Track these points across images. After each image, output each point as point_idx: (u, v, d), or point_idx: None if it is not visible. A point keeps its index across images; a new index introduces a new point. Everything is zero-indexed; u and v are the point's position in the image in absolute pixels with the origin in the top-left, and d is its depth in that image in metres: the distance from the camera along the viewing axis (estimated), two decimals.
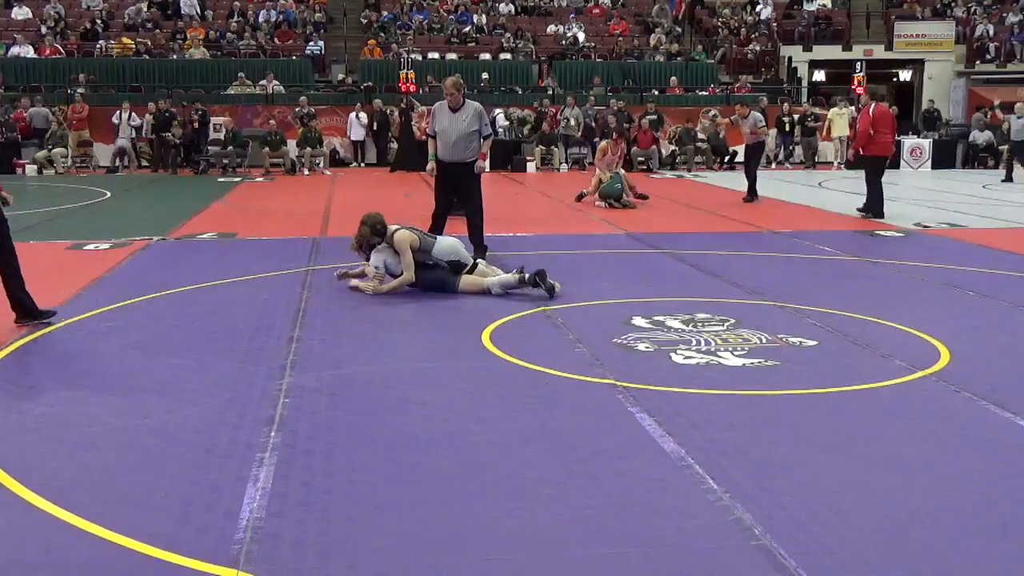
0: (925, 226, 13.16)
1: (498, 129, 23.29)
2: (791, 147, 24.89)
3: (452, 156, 10.23)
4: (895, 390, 5.72)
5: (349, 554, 3.62)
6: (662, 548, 3.67)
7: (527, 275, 8.21)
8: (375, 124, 24.09)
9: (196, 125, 23.08)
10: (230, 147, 22.55)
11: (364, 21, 29.53)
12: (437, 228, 10.04)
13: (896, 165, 24.29)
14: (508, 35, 28.99)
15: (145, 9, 28.49)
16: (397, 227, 8.45)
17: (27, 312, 7.20)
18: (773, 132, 25.14)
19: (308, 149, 22.42)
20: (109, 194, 17.48)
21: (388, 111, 24.22)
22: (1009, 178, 20.72)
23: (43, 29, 27.22)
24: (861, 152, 14.33)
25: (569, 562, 3.57)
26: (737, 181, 18.10)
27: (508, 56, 28.20)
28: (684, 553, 3.64)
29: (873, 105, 14.31)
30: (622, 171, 16.29)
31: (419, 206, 15.74)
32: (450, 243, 8.71)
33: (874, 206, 14.14)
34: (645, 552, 3.64)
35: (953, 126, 27.67)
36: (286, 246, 11.26)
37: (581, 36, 29.41)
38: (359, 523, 3.89)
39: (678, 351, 6.50)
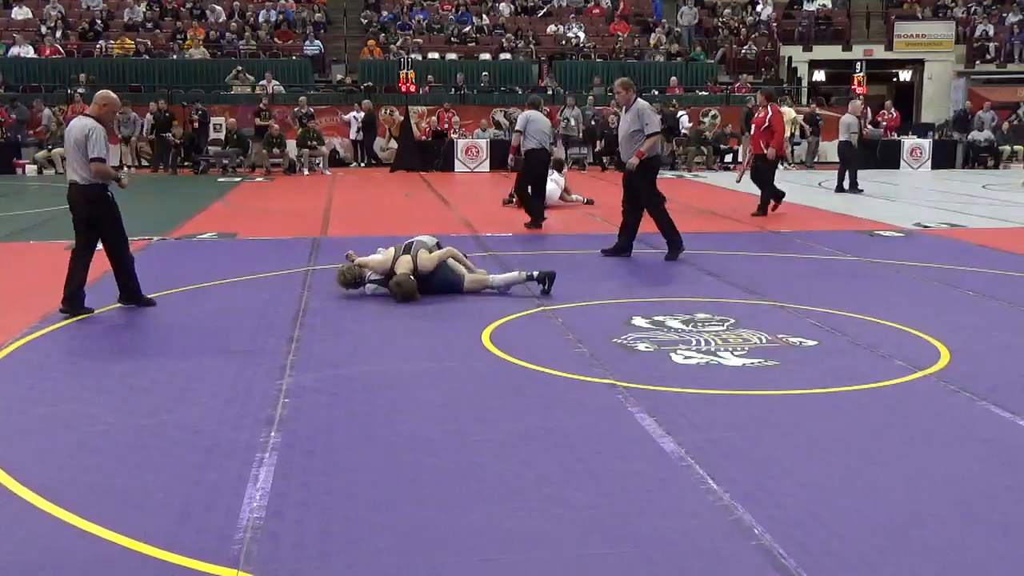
0: (925, 226, 13.17)
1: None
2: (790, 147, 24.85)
3: (623, 155, 10.75)
4: (895, 390, 5.72)
5: (349, 554, 3.62)
6: (662, 548, 3.67)
7: (535, 272, 8.38)
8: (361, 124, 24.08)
9: (196, 125, 23.08)
10: (230, 147, 22.55)
11: (364, 21, 29.53)
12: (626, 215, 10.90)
13: (896, 165, 24.36)
14: (508, 35, 28.99)
15: (144, 11, 28.47)
16: (403, 263, 8.26)
17: (131, 296, 7.83)
18: None
19: (307, 149, 22.42)
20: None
21: (388, 111, 24.28)
22: (853, 186, 18.09)
23: (43, 29, 27.22)
24: (773, 153, 14.36)
25: (569, 562, 3.57)
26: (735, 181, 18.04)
27: (508, 56, 28.19)
28: (684, 553, 3.64)
29: (771, 106, 14.49)
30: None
31: (421, 207, 15.76)
32: (430, 238, 8.74)
33: (777, 194, 14.58)
34: (645, 552, 3.64)
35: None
36: (286, 246, 11.26)
37: (581, 36, 29.42)
38: (359, 523, 3.89)
39: (678, 351, 6.50)
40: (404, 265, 8.21)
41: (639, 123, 10.24)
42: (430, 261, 8.27)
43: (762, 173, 14.58)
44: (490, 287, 8.44)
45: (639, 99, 10.53)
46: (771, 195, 14.59)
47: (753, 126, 15.01)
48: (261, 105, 23.76)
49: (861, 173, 18.53)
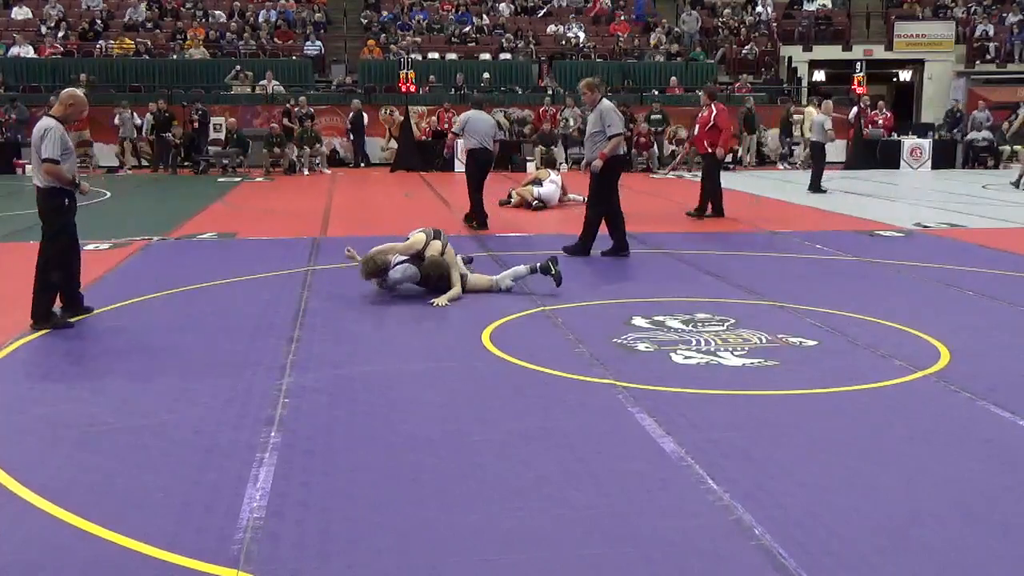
0: (925, 226, 13.17)
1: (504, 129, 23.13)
2: (790, 147, 24.87)
3: (587, 155, 10.60)
4: (895, 390, 5.72)
5: (349, 554, 3.63)
6: (662, 548, 3.67)
7: (538, 264, 8.46)
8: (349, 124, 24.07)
9: (196, 125, 23.08)
10: (230, 147, 22.55)
11: (364, 21, 29.52)
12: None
13: (896, 165, 24.35)
14: (508, 35, 28.99)
15: (144, 11, 28.49)
16: (435, 247, 8.27)
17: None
18: (775, 132, 25.15)
19: (306, 149, 22.42)
20: (109, 194, 17.49)
21: (388, 111, 24.30)
22: (816, 187, 18.00)
23: (43, 29, 27.22)
24: (714, 150, 13.96)
25: (569, 562, 3.57)
26: (738, 181, 18.09)
27: (508, 56, 28.19)
28: (684, 553, 3.64)
29: (715, 104, 14.13)
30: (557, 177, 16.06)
31: (421, 206, 15.75)
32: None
33: (718, 203, 14.03)
34: (645, 552, 3.64)
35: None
36: (286, 246, 11.26)
37: (581, 36, 29.42)
38: (359, 523, 3.89)
39: (678, 351, 6.50)
40: (436, 248, 8.29)
41: (601, 124, 10.17)
42: (453, 257, 8.38)
43: (709, 172, 14.15)
44: (493, 285, 8.46)
45: (604, 100, 10.44)
46: (712, 196, 14.02)
47: (697, 126, 14.73)
48: (288, 105, 23.64)
49: (861, 173, 18.57)
